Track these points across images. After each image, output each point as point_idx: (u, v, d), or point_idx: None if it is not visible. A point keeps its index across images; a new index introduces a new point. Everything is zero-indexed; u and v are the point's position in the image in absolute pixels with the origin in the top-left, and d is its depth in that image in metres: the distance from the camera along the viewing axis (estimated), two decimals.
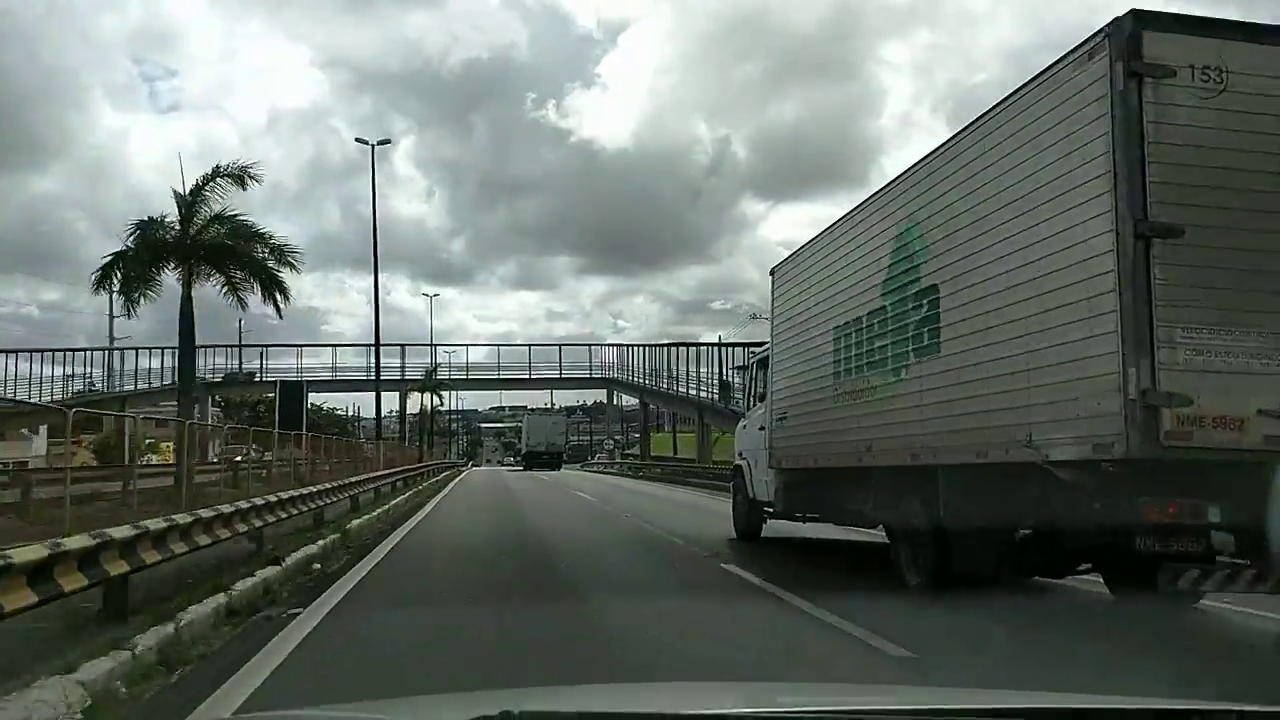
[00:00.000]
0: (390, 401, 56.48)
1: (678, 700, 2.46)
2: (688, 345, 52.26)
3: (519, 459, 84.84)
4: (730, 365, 43.30)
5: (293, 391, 35.08)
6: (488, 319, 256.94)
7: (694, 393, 46.06)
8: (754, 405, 12.95)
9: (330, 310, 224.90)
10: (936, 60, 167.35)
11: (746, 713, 2.23)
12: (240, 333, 54.53)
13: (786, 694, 2.70)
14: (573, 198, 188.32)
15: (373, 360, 52.97)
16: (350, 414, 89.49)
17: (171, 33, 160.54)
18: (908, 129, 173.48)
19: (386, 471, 24.20)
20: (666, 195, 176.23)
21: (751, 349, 18.11)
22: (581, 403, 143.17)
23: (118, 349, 51.99)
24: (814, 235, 10.56)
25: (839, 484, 9.84)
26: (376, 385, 34.04)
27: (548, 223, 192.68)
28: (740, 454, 13.22)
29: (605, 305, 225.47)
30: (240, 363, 54.55)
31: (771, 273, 11.85)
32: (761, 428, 12.03)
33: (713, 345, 49.69)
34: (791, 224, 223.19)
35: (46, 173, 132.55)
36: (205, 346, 54.31)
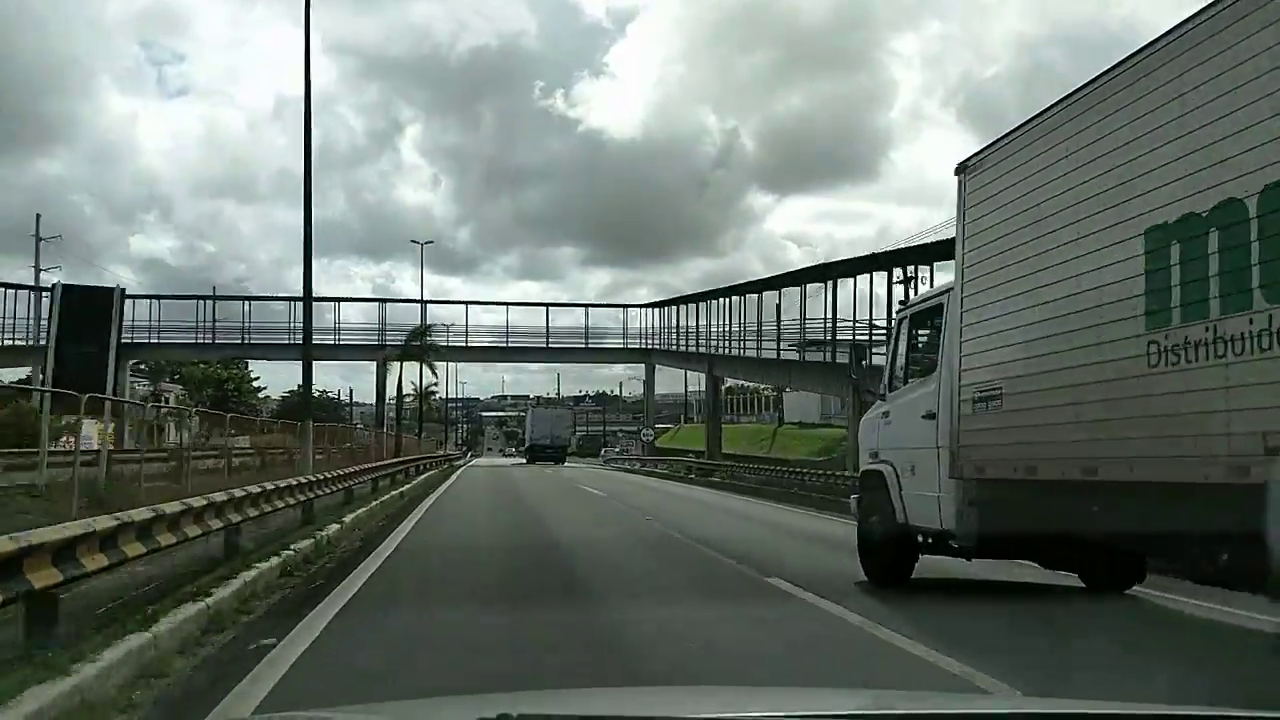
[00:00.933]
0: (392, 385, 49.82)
1: (677, 704, 2.41)
2: (807, 275, 34.12)
3: (522, 450, 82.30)
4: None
5: (89, 311, 19.04)
6: (491, 308, 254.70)
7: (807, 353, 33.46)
8: (901, 382, 8.70)
9: (334, 297, 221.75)
10: (947, 52, 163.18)
11: (748, 716, 2.10)
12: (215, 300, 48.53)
13: (791, 699, 2.65)
14: (578, 188, 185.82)
15: (376, 330, 47.65)
16: (333, 398, 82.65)
17: (179, 17, 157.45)
18: (918, 122, 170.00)
19: (297, 482, 11.50)
20: (673, 187, 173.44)
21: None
22: (584, 393, 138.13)
23: None
24: (1073, 90, 6.25)
25: (1129, 508, 5.60)
26: (306, 351, 19.38)
27: (553, 213, 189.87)
28: (875, 455, 8.94)
29: (608, 297, 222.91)
30: (215, 321, 45.18)
31: (961, 170, 7.55)
32: (928, 414, 7.81)
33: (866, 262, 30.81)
34: (797, 218, 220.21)
35: (53, 157, 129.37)
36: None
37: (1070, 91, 6.25)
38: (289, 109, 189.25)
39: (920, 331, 8.54)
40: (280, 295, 48.96)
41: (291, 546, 9.15)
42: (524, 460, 56.92)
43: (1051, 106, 6.44)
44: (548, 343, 49.84)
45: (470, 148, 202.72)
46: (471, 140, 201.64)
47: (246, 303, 47.24)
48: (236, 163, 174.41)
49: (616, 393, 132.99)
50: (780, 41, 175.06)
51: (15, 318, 41.42)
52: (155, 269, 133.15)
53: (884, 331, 23.34)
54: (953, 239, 8.26)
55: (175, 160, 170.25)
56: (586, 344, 50.32)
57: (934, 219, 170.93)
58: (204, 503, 7.41)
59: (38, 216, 47.02)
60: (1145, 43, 5.54)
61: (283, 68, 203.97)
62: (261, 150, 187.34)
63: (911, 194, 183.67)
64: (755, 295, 39.24)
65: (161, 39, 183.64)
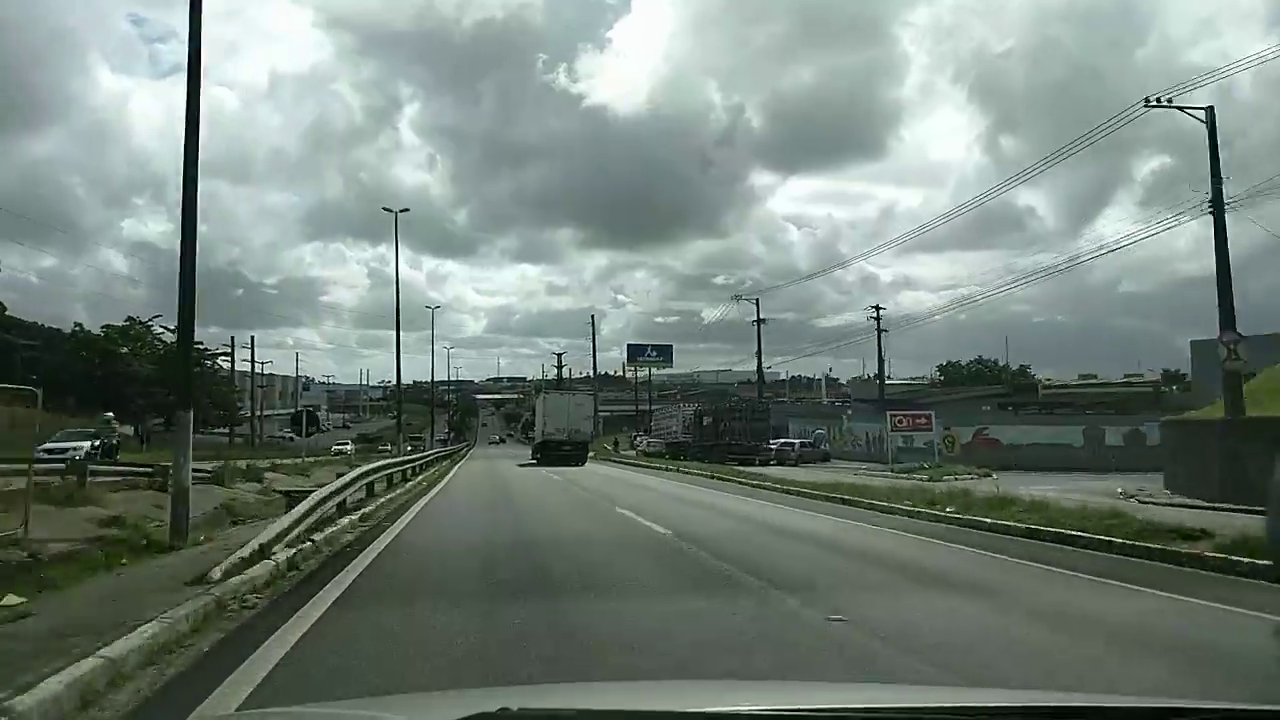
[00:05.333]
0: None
1: (678, 698, 2.38)
2: None
3: (527, 441, 68.00)
4: None
5: None
6: (487, 292, 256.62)
7: None
8: None
9: (329, 281, 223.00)
10: (961, 25, 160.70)
11: (748, 711, 1.98)
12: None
13: (789, 692, 2.66)
14: (580, 167, 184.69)
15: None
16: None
17: None
18: (930, 99, 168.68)
19: None
20: (675, 166, 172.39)
21: None
22: (586, 374, 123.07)
23: None
24: None
25: None
26: None
27: (552, 193, 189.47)
28: None
29: (606, 280, 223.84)
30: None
31: None
32: None
33: None
34: (799, 200, 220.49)
35: (44, 136, 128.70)
36: None
37: None
38: (282, 86, 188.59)
39: None
40: None
41: None
42: (534, 460, 44.99)
43: None
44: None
45: (470, 126, 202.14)
46: (471, 118, 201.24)
47: None
48: (231, 142, 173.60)
49: (619, 373, 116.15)
50: (790, 13, 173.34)
51: None
52: (146, 251, 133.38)
53: None
54: None
55: (168, 139, 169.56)
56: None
57: (938, 201, 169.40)
58: None
59: None
60: None
61: (276, 44, 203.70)
62: (256, 130, 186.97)
63: (915, 174, 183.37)
64: None
65: (153, 14, 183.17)
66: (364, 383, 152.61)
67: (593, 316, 76.95)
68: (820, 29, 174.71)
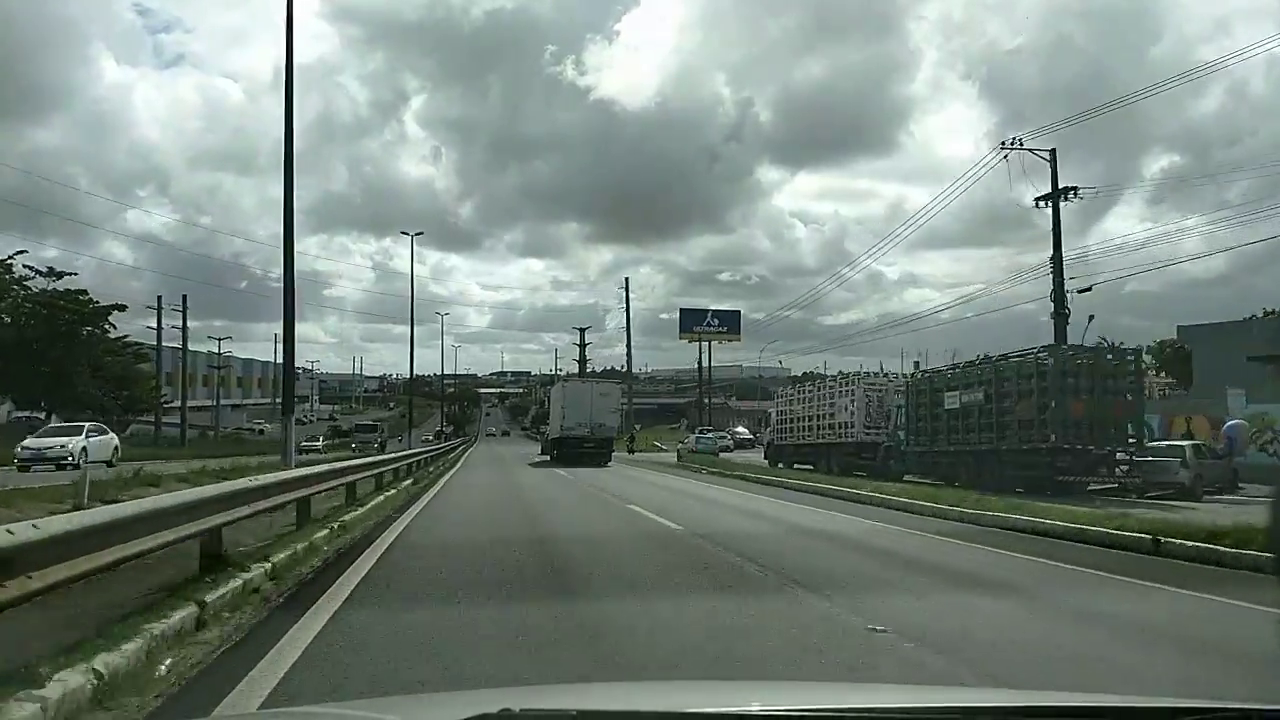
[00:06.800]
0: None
1: (680, 699, 2.35)
2: None
3: (538, 437, 60.94)
4: None
5: None
6: (492, 286, 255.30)
7: None
8: None
9: (334, 275, 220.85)
10: (973, 20, 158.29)
11: (752, 711, 1.96)
12: None
13: (792, 692, 2.63)
14: (586, 161, 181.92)
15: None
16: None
17: None
18: (940, 94, 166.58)
19: None
20: (682, 160, 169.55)
21: None
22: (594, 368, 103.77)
23: None
24: None
25: None
26: None
27: (559, 187, 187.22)
28: None
29: (611, 275, 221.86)
30: None
31: None
32: None
33: None
34: (807, 196, 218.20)
35: (48, 126, 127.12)
36: None
37: None
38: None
39: None
40: None
41: None
42: (547, 457, 40.31)
43: None
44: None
45: (476, 119, 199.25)
46: (478, 111, 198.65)
47: None
48: (235, 134, 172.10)
49: (623, 368, 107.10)
50: (801, 7, 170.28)
51: None
52: (152, 244, 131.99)
53: None
54: None
55: (171, 130, 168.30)
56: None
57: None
58: None
59: None
60: None
61: (281, 34, 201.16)
62: (260, 120, 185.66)
63: (923, 172, 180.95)
64: None
65: (157, 4, 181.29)
66: (360, 373, 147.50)
67: (626, 280, 62.05)
68: (831, 23, 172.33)
